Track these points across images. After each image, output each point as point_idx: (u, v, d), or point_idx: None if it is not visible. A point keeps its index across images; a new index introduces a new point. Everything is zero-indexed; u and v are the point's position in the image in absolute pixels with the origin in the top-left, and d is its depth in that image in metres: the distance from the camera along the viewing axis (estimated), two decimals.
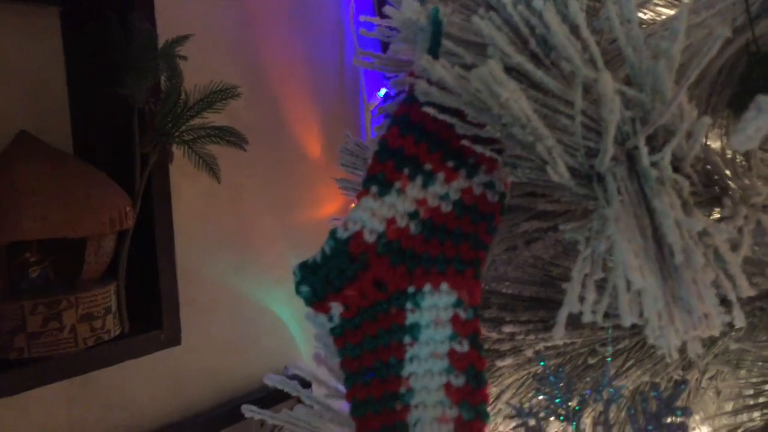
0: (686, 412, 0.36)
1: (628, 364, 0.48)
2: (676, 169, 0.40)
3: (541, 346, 0.48)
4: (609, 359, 0.40)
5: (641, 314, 0.36)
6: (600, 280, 0.39)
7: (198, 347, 1.28)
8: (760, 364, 0.51)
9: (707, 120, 0.35)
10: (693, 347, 0.37)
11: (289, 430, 0.53)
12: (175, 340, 1.06)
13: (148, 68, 0.93)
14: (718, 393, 0.51)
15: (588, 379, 0.45)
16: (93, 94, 1.07)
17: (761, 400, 0.49)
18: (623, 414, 0.44)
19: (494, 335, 0.48)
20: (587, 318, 0.34)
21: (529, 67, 0.38)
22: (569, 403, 0.39)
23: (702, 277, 0.36)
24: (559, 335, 0.34)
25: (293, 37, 1.47)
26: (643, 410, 0.37)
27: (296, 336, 1.51)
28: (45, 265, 0.91)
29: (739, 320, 0.37)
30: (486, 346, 0.49)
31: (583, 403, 0.40)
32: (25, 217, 0.84)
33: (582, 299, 0.37)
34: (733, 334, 0.50)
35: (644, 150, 0.37)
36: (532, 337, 0.48)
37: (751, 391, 0.49)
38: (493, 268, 0.51)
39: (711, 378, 0.51)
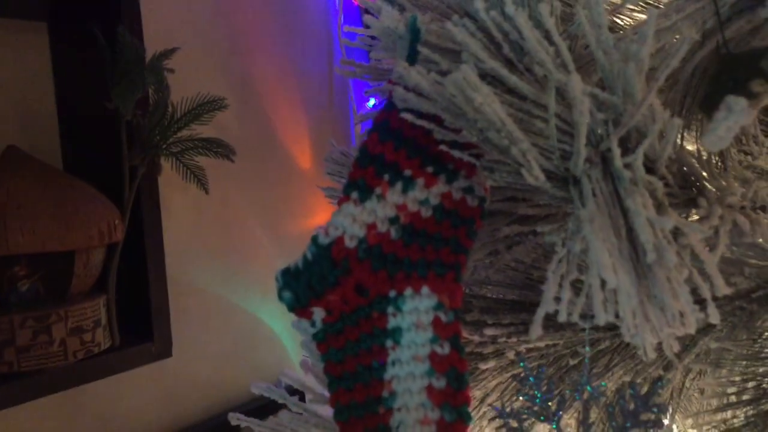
0: (662, 409, 0.37)
1: (612, 364, 0.48)
2: (651, 170, 0.41)
3: (522, 348, 0.48)
4: (587, 359, 0.40)
5: (617, 315, 0.37)
6: (578, 281, 0.39)
7: (189, 359, 1.28)
8: (744, 363, 0.52)
9: (678, 121, 0.36)
10: (669, 345, 0.37)
11: None
12: (166, 352, 1.06)
13: (136, 81, 0.94)
14: (702, 392, 0.51)
15: (569, 381, 0.46)
16: (81, 107, 1.08)
17: (745, 397, 0.49)
18: (604, 413, 0.45)
19: (476, 338, 0.49)
20: (563, 317, 0.34)
21: (503, 72, 0.39)
22: (549, 404, 0.40)
23: (676, 275, 0.36)
24: (536, 334, 0.35)
25: (282, 49, 1.48)
26: (621, 408, 0.37)
27: (288, 347, 1.50)
28: (34, 279, 0.91)
29: (714, 317, 0.37)
30: (468, 350, 0.49)
31: (563, 403, 0.40)
32: (14, 231, 0.84)
33: (559, 300, 0.37)
34: (713, 333, 0.50)
35: (617, 151, 0.37)
36: (513, 339, 0.48)
37: (735, 389, 0.49)
38: (475, 272, 0.51)
39: (693, 379, 0.51)
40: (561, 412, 0.40)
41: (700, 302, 0.38)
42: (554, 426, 0.39)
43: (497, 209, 0.52)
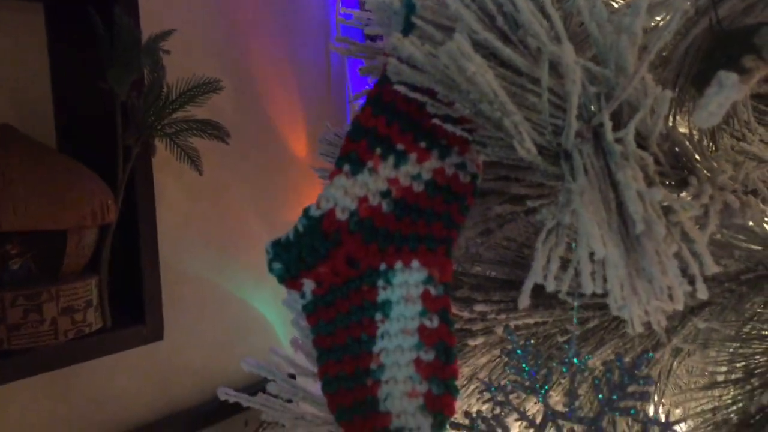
0: (648, 381, 0.37)
1: (601, 342, 0.49)
2: (642, 147, 0.41)
3: (511, 324, 0.48)
4: (575, 333, 0.40)
5: (605, 292, 0.37)
6: (568, 260, 0.39)
7: (182, 343, 1.28)
8: (735, 344, 0.52)
9: (669, 93, 0.36)
10: (657, 319, 0.37)
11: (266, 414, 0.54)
12: (157, 335, 1.06)
13: (132, 62, 0.93)
14: (690, 371, 0.52)
15: (556, 362, 0.46)
16: (76, 87, 1.07)
17: (733, 377, 0.50)
18: (591, 386, 0.45)
19: (466, 314, 0.49)
20: (550, 288, 0.35)
21: (497, 43, 0.39)
22: (536, 376, 0.40)
23: (664, 249, 0.36)
24: (523, 305, 0.35)
25: (279, 37, 1.48)
26: (608, 380, 0.37)
27: (281, 335, 1.51)
28: (26, 258, 0.90)
29: (702, 293, 0.37)
30: (458, 326, 0.49)
31: (549, 377, 0.40)
32: (6, 209, 0.84)
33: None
34: (702, 314, 0.50)
35: (608, 125, 0.37)
36: (502, 316, 0.48)
37: (723, 369, 0.49)
38: (466, 249, 0.52)
39: (681, 360, 0.51)
40: (547, 386, 0.40)
41: (690, 282, 0.38)
42: (540, 400, 0.39)
43: (490, 189, 0.52)
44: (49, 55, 1.09)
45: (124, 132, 0.96)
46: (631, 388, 0.36)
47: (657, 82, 0.41)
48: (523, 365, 0.40)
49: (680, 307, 0.38)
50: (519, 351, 0.40)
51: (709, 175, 0.46)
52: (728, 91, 0.36)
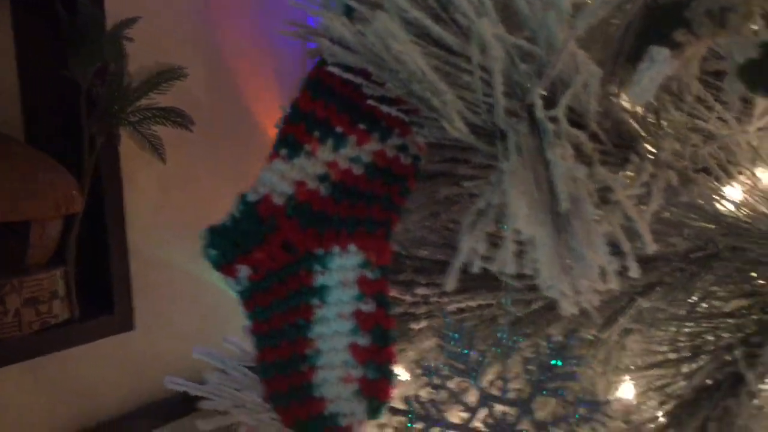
0: (578, 361, 0.36)
1: (547, 324, 0.48)
2: (580, 125, 0.40)
3: (454, 307, 0.48)
4: (507, 308, 0.40)
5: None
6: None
7: (155, 334, 1.27)
8: (690, 324, 0.51)
9: (597, 70, 0.35)
10: (588, 299, 0.37)
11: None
12: (127, 325, 1.05)
13: (94, 50, 0.92)
14: (637, 351, 0.51)
15: (492, 339, 0.45)
16: (43, 77, 1.06)
17: (681, 354, 0.49)
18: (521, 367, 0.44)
19: (408, 298, 0.48)
20: (476, 268, 0.34)
21: (427, 22, 0.38)
22: (470, 359, 0.39)
23: (594, 228, 0.36)
24: (450, 288, 0.34)
25: (255, 24, 1.46)
26: (537, 361, 0.37)
27: None
28: None
29: (634, 272, 0.37)
30: (401, 310, 0.49)
31: (483, 359, 0.40)
32: None
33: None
34: (652, 294, 0.50)
35: (539, 102, 0.37)
36: (445, 299, 0.48)
37: (671, 347, 0.49)
38: (410, 232, 0.51)
39: (628, 342, 0.51)
40: (479, 369, 0.39)
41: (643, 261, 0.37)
42: (473, 381, 0.39)
43: (437, 171, 0.51)
44: (15, 45, 1.08)
45: (88, 120, 0.95)
46: (559, 369, 0.36)
47: (594, 59, 0.41)
48: (458, 348, 0.40)
49: (613, 286, 0.37)
50: (454, 334, 0.40)
51: (653, 151, 0.45)
52: (659, 66, 0.35)
